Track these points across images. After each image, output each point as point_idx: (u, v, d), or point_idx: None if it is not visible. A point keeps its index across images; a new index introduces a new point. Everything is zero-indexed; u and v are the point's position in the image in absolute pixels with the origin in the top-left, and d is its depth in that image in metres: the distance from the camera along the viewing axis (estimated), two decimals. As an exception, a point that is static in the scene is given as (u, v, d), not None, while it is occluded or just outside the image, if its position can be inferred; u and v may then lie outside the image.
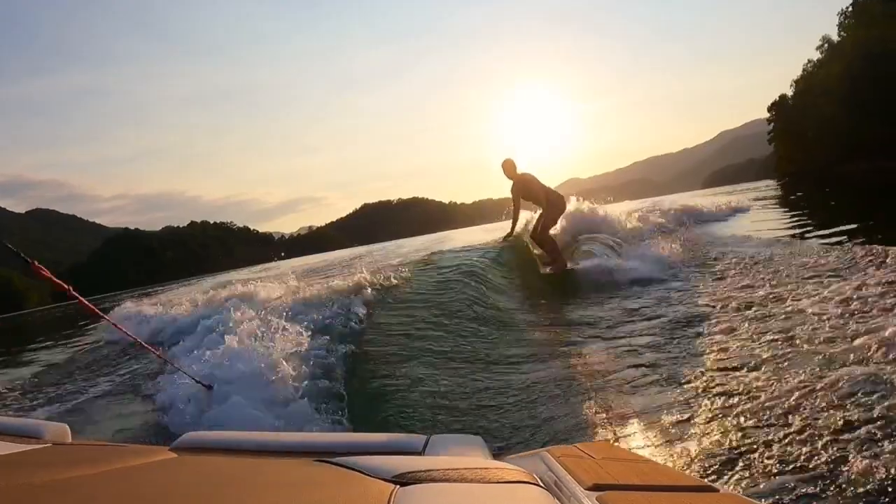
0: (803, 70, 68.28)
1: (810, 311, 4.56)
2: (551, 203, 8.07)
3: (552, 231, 8.43)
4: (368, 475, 0.81)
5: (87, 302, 3.07)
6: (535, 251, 8.72)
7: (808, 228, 10.46)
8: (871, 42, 50.81)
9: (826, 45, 64.43)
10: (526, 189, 8.14)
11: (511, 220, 8.65)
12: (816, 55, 66.39)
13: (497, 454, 1.19)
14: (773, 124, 75.03)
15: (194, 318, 7.40)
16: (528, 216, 9.25)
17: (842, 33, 61.82)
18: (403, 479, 0.77)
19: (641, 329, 5.14)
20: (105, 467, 0.87)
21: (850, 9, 60.69)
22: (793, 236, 9.43)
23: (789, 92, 70.77)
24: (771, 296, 5.32)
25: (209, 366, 4.19)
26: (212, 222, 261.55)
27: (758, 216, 15.71)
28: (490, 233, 8.83)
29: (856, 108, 50.49)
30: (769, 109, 74.91)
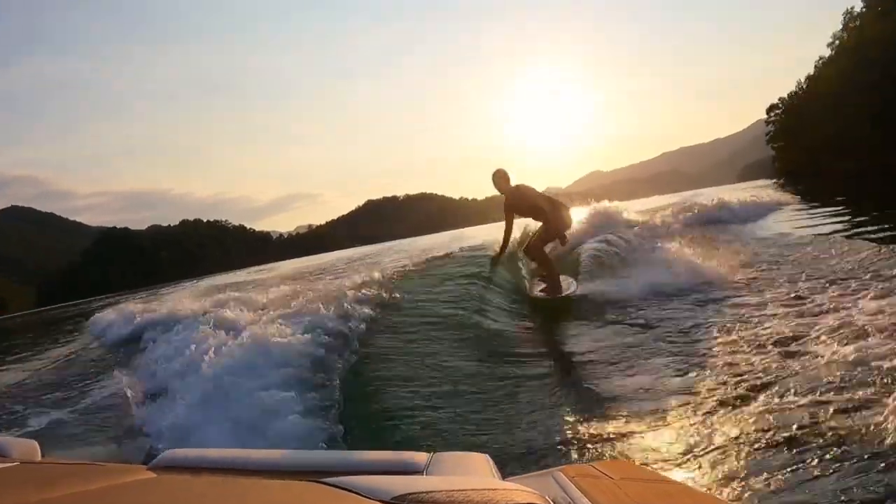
0: (815, 68, 71.49)
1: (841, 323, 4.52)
2: (555, 215, 7.45)
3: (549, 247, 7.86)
4: (365, 497, 0.80)
5: None
6: (523, 269, 8.22)
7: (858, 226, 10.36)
8: (879, 38, 53.21)
9: (837, 41, 65.97)
10: (523, 202, 7.54)
11: (502, 240, 7.95)
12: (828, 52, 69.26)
13: (506, 474, 1.18)
14: (771, 125, 79.95)
15: (185, 325, 7.43)
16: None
17: (847, 31, 64.53)
18: (403, 501, 0.76)
19: (659, 343, 5.13)
20: (77, 488, 0.87)
21: (862, 9, 62.08)
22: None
23: (797, 89, 74.86)
24: (805, 308, 5.27)
25: (198, 377, 4.20)
26: (204, 220, 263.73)
27: (797, 214, 15.56)
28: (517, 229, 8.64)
29: (864, 105, 52.69)
30: (768, 111, 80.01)
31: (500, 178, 7.61)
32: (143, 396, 4.95)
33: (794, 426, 2.96)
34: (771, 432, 2.95)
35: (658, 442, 3.15)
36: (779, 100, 78.76)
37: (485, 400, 4.26)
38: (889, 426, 2.71)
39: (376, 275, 6.79)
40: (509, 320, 6.45)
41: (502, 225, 8.10)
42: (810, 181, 34.94)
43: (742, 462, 2.74)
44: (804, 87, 72.69)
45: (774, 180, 58.58)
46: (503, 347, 5.49)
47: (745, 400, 3.46)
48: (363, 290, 6.05)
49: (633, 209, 13.41)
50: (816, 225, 11.90)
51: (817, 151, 60.55)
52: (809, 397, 3.26)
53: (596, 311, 6.70)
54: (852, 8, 65.10)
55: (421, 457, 1.16)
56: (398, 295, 6.38)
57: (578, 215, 10.00)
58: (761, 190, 25.37)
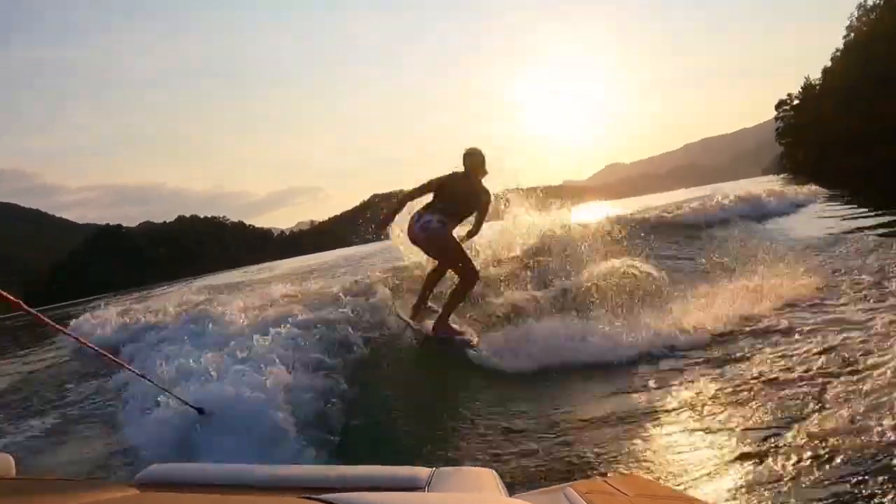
0: (831, 60, 72.40)
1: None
2: None
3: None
4: None
5: (41, 316, 2.96)
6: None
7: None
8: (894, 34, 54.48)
9: (852, 34, 67.23)
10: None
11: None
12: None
13: (513, 491, 1.17)
14: (780, 121, 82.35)
15: (177, 333, 7.38)
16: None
17: (861, 23, 66.12)
18: None
19: (674, 358, 5.08)
20: (54, 506, 0.86)
21: (878, 1, 62.79)
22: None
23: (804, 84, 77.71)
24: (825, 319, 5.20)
25: (185, 388, 4.19)
26: (201, 216, 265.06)
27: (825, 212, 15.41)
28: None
29: (874, 101, 54.02)
30: (777, 107, 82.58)
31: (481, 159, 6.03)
32: (127, 407, 4.92)
33: (817, 443, 2.93)
34: (791, 448, 2.92)
35: (672, 455, 3.13)
36: (787, 95, 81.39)
37: (490, 413, 4.23)
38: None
39: (375, 280, 6.73)
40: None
41: (518, 221, 7.75)
42: (821, 177, 34.94)
43: (761, 476, 2.72)
44: (817, 81, 74.90)
45: (783, 175, 59.51)
46: (509, 360, 5.44)
47: (764, 414, 3.42)
48: (361, 296, 6.02)
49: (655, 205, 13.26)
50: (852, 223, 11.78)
51: (829, 147, 61.22)
52: (832, 415, 3.22)
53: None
54: (865, 1, 65.91)
55: (422, 472, 1.15)
56: (397, 297, 6.33)
57: (597, 213, 9.75)
58: (782, 186, 25.12)
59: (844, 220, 12.26)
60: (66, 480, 1.12)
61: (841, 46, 69.87)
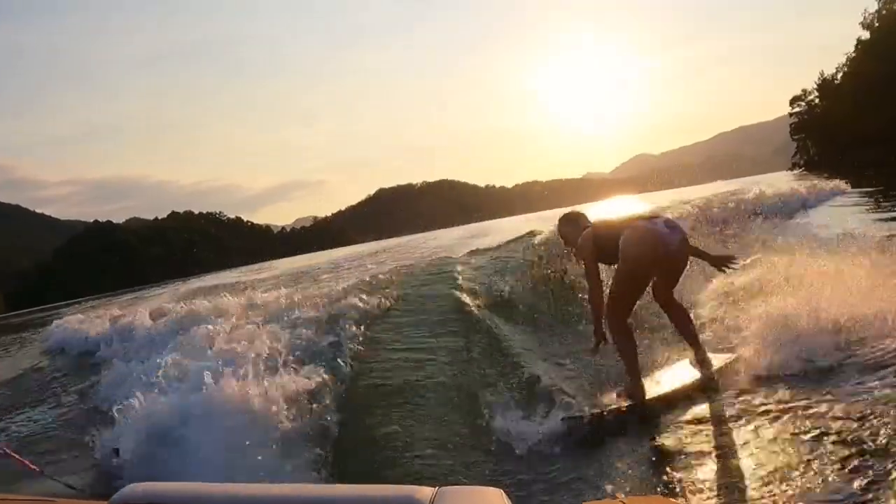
0: (855, 48, 74.18)
1: None
2: (624, 248, 4.38)
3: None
4: None
5: None
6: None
7: None
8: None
9: (875, 25, 70.48)
10: (602, 245, 4.58)
11: (594, 309, 4.73)
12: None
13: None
14: (794, 117, 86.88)
15: (160, 339, 7.43)
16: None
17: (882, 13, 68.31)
18: None
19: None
20: (26, 528, 0.87)
21: None
22: None
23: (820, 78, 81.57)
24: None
25: (167, 400, 4.22)
26: (196, 212, 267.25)
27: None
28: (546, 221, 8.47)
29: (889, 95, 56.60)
30: (791, 103, 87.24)
31: (569, 223, 5.08)
32: (104, 422, 4.94)
33: (855, 453, 2.91)
34: (818, 465, 2.89)
35: (693, 473, 3.11)
36: (802, 91, 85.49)
37: (498, 428, 4.22)
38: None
39: (372, 280, 6.74)
40: (527, 330, 6.39)
41: (531, 217, 7.76)
42: (842, 173, 35.03)
43: (787, 495, 2.69)
44: (832, 75, 78.20)
45: (798, 171, 60.59)
46: (520, 364, 5.43)
47: (790, 427, 3.39)
48: (360, 301, 6.03)
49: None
50: None
51: (847, 142, 62.66)
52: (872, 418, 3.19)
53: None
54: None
55: (425, 492, 1.15)
56: (398, 310, 6.36)
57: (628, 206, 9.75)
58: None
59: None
60: (41, 500, 1.12)
61: (861, 38, 71.61)
